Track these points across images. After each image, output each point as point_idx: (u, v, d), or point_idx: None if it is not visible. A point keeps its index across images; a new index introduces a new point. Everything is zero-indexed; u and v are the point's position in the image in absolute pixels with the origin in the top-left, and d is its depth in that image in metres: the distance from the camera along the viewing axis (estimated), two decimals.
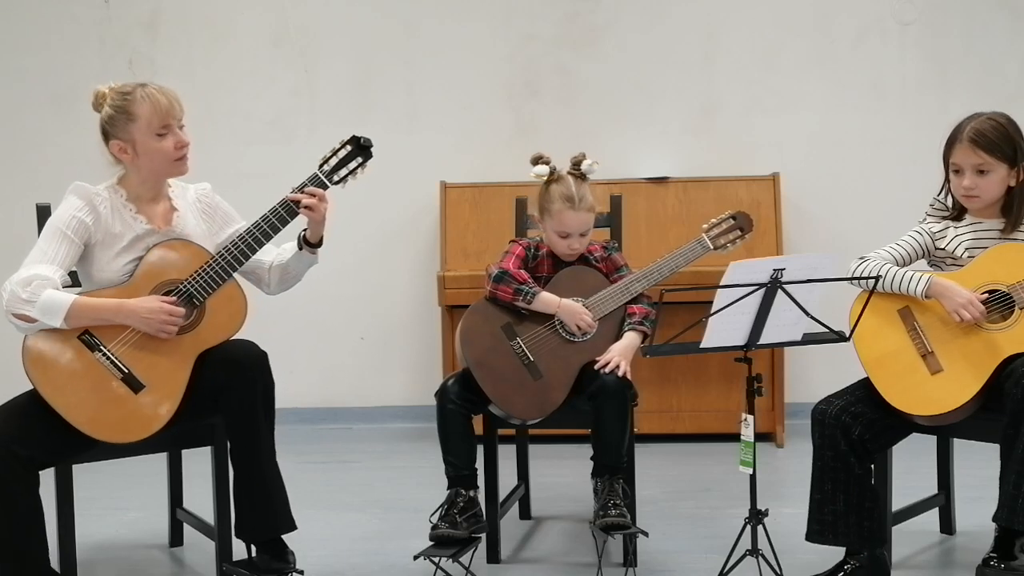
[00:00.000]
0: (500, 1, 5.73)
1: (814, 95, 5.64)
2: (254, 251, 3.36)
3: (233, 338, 3.33)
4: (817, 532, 3.36)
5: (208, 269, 3.30)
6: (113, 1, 5.81)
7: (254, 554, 3.38)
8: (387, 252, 5.79)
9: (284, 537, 3.37)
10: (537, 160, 3.69)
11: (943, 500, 3.87)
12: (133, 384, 3.21)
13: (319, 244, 3.51)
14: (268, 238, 3.37)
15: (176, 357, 3.26)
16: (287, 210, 3.38)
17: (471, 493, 3.53)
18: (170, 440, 3.40)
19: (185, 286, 3.29)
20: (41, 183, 5.28)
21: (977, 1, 5.59)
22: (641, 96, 5.69)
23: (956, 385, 3.26)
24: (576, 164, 3.68)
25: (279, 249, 3.56)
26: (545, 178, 3.67)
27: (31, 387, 3.19)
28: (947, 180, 3.45)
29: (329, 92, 5.79)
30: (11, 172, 5.83)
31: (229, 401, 3.26)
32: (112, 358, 3.21)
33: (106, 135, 3.34)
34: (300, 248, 3.51)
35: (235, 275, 3.36)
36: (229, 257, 3.33)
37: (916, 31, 5.61)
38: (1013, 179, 3.35)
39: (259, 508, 3.32)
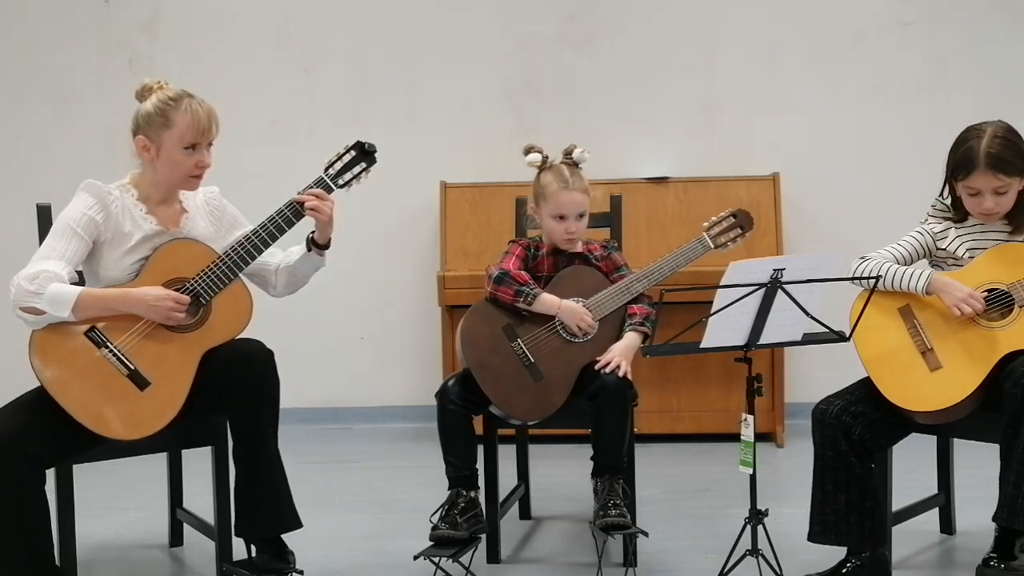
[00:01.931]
0: (500, 1, 5.74)
1: (814, 95, 5.64)
2: (260, 251, 3.38)
3: (239, 336, 3.35)
4: (819, 532, 3.36)
5: (214, 268, 3.32)
6: (113, 1, 5.81)
7: (254, 554, 3.38)
8: (387, 252, 5.79)
9: (284, 537, 3.37)
10: (529, 149, 3.72)
11: (943, 500, 3.87)
12: (139, 381, 3.22)
13: (327, 246, 3.53)
14: (274, 239, 3.39)
15: (182, 355, 3.27)
16: (293, 211, 3.40)
17: (472, 494, 3.53)
18: (170, 440, 3.40)
19: (191, 284, 3.30)
20: (41, 183, 5.29)
21: (977, 1, 5.59)
22: (641, 96, 5.69)
23: (955, 382, 3.26)
24: (567, 153, 3.71)
25: (286, 252, 3.58)
26: (538, 165, 3.70)
27: (37, 384, 3.19)
28: (950, 188, 3.43)
29: (329, 92, 5.79)
30: (11, 172, 5.83)
31: (234, 399, 3.27)
32: (118, 355, 3.21)
33: (137, 128, 3.35)
34: (308, 250, 3.53)
35: (241, 277, 3.37)
36: (236, 257, 3.34)
37: (916, 31, 5.61)
38: (1022, 186, 3.36)
39: (265, 506, 3.32)
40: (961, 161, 3.34)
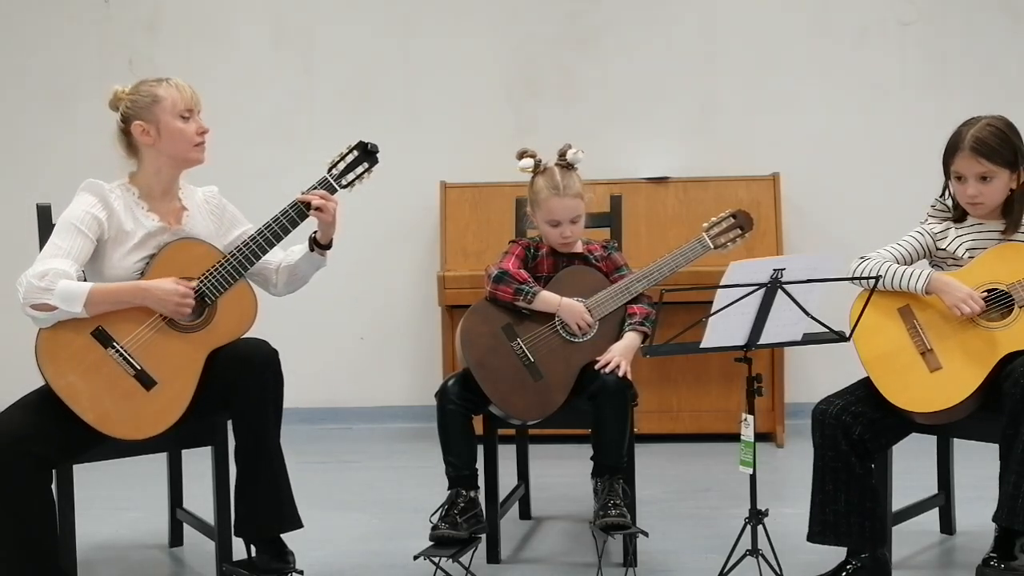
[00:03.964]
0: (500, 1, 5.74)
1: (814, 95, 5.64)
2: (265, 251, 3.39)
3: (244, 336, 3.36)
4: (819, 532, 3.36)
5: (220, 268, 3.33)
6: (113, 1, 5.81)
7: (254, 554, 3.38)
8: (387, 252, 5.79)
9: (284, 537, 3.38)
10: (522, 154, 3.71)
11: (943, 500, 3.87)
12: (145, 381, 3.23)
13: (329, 246, 3.54)
14: (279, 239, 3.41)
15: (188, 354, 3.28)
16: (297, 212, 3.41)
17: (472, 494, 3.53)
18: (170, 440, 3.40)
19: (198, 285, 3.30)
20: (41, 183, 5.29)
21: (977, 1, 5.59)
22: (641, 96, 5.69)
23: (954, 382, 3.26)
24: (562, 155, 3.69)
25: (286, 251, 3.59)
26: (531, 171, 3.68)
27: (42, 383, 3.19)
28: (948, 184, 3.45)
29: (329, 92, 5.79)
30: (11, 172, 5.83)
31: (239, 398, 3.28)
32: (125, 355, 3.22)
33: (127, 120, 3.36)
34: (311, 249, 3.54)
35: (245, 278, 3.38)
36: (241, 257, 3.35)
37: (916, 31, 5.61)
38: (1014, 183, 3.36)
39: (267, 505, 3.33)
40: (949, 145, 3.37)
